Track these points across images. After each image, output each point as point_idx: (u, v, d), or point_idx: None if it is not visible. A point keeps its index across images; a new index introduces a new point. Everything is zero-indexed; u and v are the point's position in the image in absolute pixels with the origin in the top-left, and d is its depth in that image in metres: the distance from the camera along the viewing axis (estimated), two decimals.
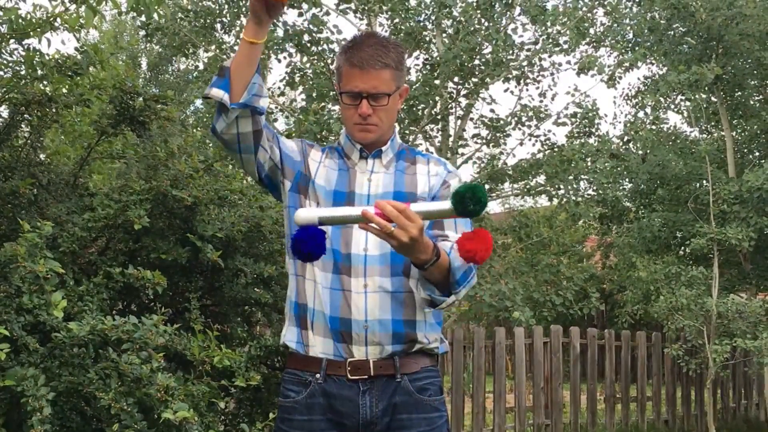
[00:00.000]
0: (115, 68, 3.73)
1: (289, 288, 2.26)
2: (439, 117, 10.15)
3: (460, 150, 10.64)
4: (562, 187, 10.06)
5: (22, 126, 3.63)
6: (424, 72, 9.98)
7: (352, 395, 2.14)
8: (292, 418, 2.18)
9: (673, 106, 11.98)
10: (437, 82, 9.59)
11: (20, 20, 3.24)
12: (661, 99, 10.95)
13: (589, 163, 9.82)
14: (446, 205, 1.95)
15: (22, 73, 3.39)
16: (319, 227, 1.98)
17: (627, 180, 11.56)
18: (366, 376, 2.14)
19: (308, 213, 1.99)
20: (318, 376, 2.16)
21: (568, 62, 10.32)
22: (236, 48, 9.95)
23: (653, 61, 11.12)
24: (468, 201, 1.90)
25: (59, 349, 2.65)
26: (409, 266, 2.16)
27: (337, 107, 8.97)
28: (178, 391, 2.64)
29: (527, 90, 10.53)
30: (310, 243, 1.99)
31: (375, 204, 1.94)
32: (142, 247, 3.32)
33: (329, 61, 9.60)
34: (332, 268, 2.17)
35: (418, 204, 2.01)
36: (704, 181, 9.62)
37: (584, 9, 10.07)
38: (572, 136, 10.39)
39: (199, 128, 10.62)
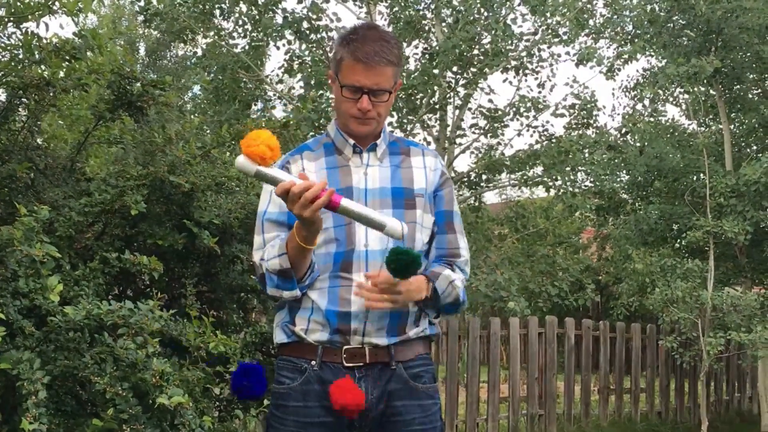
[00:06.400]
0: (113, 53, 3.71)
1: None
2: (437, 106, 10.14)
3: (458, 140, 10.64)
4: (559, 178, 10.07)
5: (20, 110, 3.62)
6: (423, 61, 9.96)
7: None
8: (287, 404, 2.19)
9: (671, 99, 11.95)
10: (436, 71, 9.57)
11: (18, 3, 3.23)
12: (660, 91, 10.94)
13: (586, 155, 9.84)
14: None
15: (20, 56, 3.37)
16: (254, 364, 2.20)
17: (624, 172, 11.54)
18: (361, 364, 2.15)
19: (246, 163, 2.00)
20: (314, 363, 2.17)
21: (567, 53, 10.32)
22: (234, 35, 10.01)
23: (652, 54, 11.08)
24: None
25: (55, 333, 2.66)
26: None
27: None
28: (173, 377, 2.64)
29: (526, 80, 10.57)
30: (249, 382, 2.18)
31: (371, 281, 2.08)
32: (139, 233, 3.32)
33: (328, 48, 9.58)
34: (332, 267, 2.18)
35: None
36: (701, 174, 9.61)
37: (584, 0, 10.06)
38: (570, 127, 10.40)
39: (196, 114, 10.60)
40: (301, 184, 1.98)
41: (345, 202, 2.03)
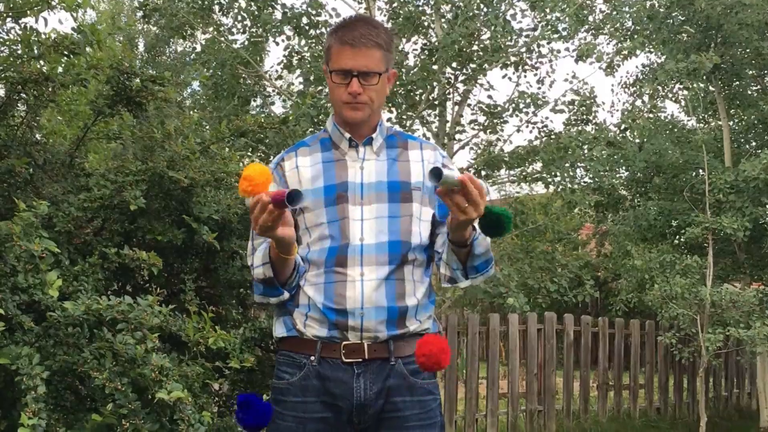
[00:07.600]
0: (112, 49, 3.71)
1: None
2: (436, 102, 10.12)
3: (457, 136, 10.62)
4: (558, 174, 10.05)
5: (19, 105, 3.62)
6: (423, 57, 9.94)
7: (347, 378, 2.15)
8: (286, 400, 2.19)
9: (670, 95, 11.95)
10: (435, 67, 9.56)
11: None
12: (659, 87, 10.93)
13: (585, 151, 9.81)
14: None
15: (19, 52, 3.37)
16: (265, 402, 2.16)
17: (623, 168, 11.53)
18: (360, 359, 2.15)
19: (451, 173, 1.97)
20: (312, 358, 2.17)
21: (567, 49, 10.33)
22: (233, 31, 9.99)
23: (652, 50, 11.07)
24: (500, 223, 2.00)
25: (54, 328, 2.66)
26: (405, 255, 2.18)
27: None
28: (172, 372, 2.64)
29: (525, 76, 10.51)
30: (251, 414, 2.15)
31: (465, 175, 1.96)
32: (138, 228, 3.32)
33: None
34: (326, 261, 2.17)
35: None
36: (700, 171, 9.62)
37: None
38: (569, 123, 10.38)
39: (195, 110, 10.59)
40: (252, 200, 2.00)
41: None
